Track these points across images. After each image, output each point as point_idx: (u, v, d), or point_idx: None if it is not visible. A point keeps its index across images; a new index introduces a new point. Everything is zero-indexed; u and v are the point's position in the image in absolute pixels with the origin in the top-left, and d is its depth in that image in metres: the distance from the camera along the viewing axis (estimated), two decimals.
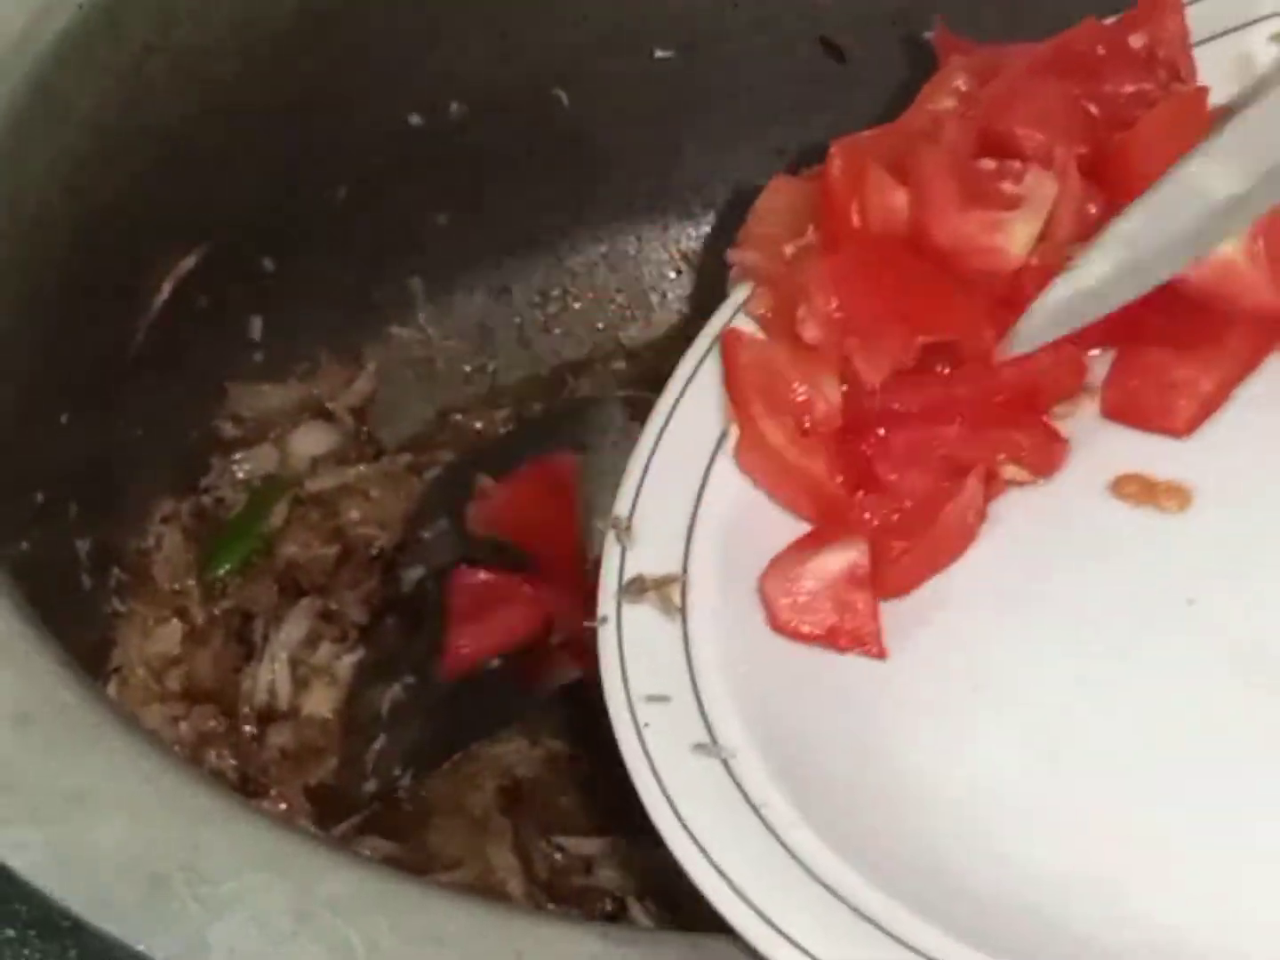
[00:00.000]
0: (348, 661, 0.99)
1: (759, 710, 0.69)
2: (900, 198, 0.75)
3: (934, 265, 0.74)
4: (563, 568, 0.93)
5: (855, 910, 0.62)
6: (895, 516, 0.72)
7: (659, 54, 1.08)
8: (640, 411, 0.99)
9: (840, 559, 0.71)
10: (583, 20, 1.06)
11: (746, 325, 0.78)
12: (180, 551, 1.01)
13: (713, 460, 0.76)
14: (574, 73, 1.07)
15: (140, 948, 0.61)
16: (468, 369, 1.13)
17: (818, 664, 0.70)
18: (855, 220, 0.76)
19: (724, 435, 0.76)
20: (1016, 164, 0.75)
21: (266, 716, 0.98)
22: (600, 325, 1.14)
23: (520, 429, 1.06)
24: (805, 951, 0.60)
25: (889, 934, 0.61)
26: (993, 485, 0.74)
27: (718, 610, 0.72)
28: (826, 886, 0.63)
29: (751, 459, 0.75)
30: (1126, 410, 0.76)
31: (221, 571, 1.01)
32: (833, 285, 0.72)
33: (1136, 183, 0.75)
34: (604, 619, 0.72)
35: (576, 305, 1.14)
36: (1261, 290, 0.73)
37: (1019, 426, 0.74)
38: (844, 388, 0.73)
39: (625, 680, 0.69)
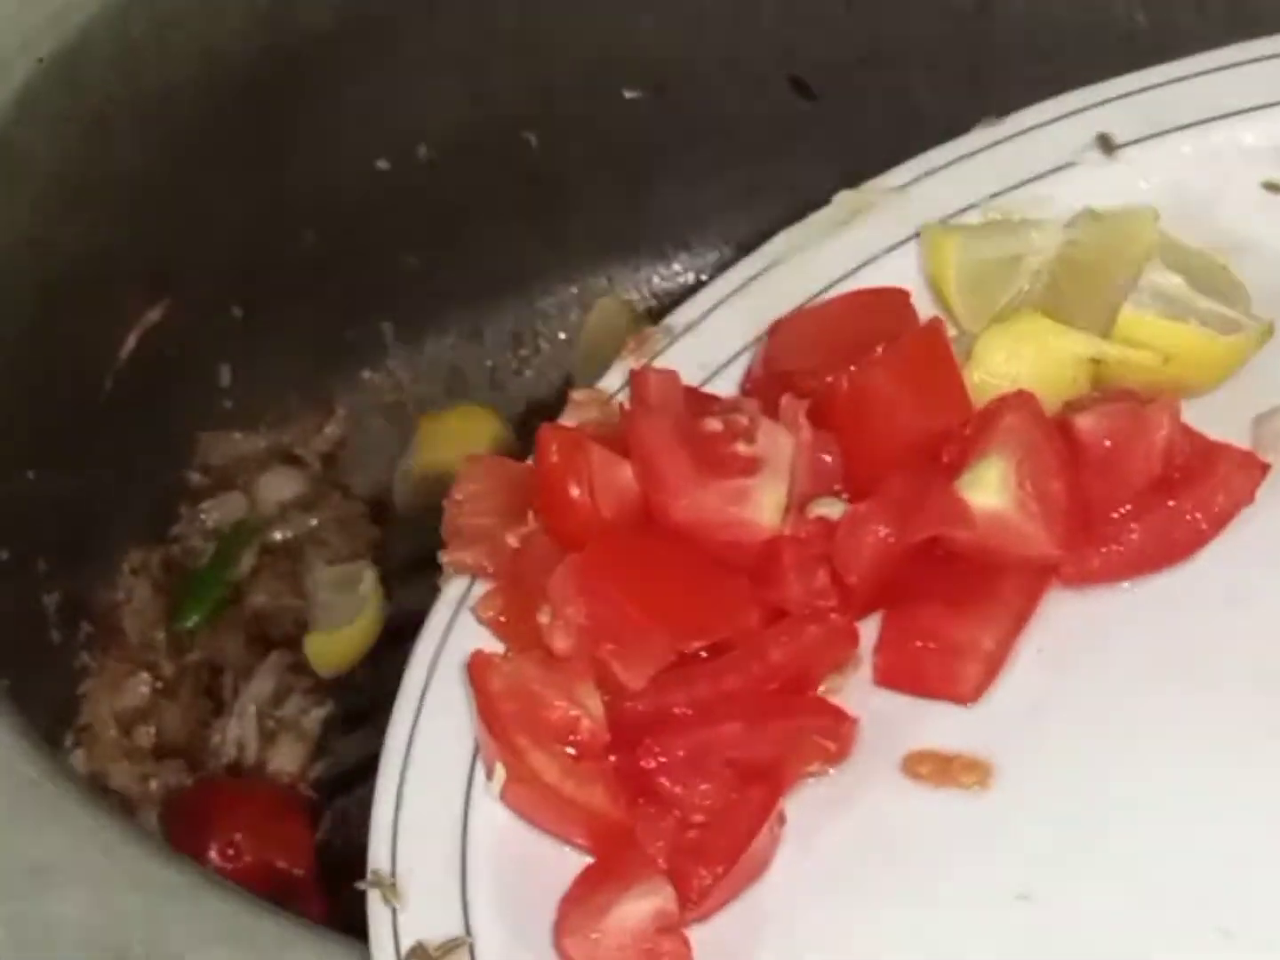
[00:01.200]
0: (315, 715, 0.98)
1: None
2: (627, 474, 0.68)
3: (679, 547, 0.67)
4: None
5: None
6: (690, 835, 0.63)
7: (628, 94, 1.07)
8: None
9: (644, 906, 0.62)
10: (551, 62, 1.05)
11: (474, 631, 0.69)
12: (149, 603, 1.00)
13: (469, 791, 0.66)
14: (543, 114, 1.07)
15: None
16: (438, 412, 1.12)
17: None
18: (581, 507, 0.68)
19: (474, 757, 0.67)
20: (744, 420, 0.69)
21: (235, 771, 0.97)
22: (570, 367, 1.13)
23: None
24: None
25: None
26: (786, 783, 0.65)
27: None
28: None
29: (521, 796, 0.65)
30: (904, 677, 0.67)
31: (190, 623, 1.00)
32: (576, 588, 0.65)
33: (869, 425, 0.70)
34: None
35: (548, 347, 1.13)
36: (1031, 539, 0.67)
37: (802, 712, 0.66)
38: (604, 697, 0.65)
39: None
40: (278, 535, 1.04)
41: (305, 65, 0.99)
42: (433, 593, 0.70)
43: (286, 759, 0.97)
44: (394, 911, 0.62)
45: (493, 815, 0.65)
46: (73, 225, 0.92)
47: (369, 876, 0.63)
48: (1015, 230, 0.77)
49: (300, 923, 0.64)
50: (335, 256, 1.06)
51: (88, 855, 0.65)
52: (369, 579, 0.99)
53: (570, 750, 0.64)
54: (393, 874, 0.63)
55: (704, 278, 1.14)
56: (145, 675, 0.98)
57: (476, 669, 0.66)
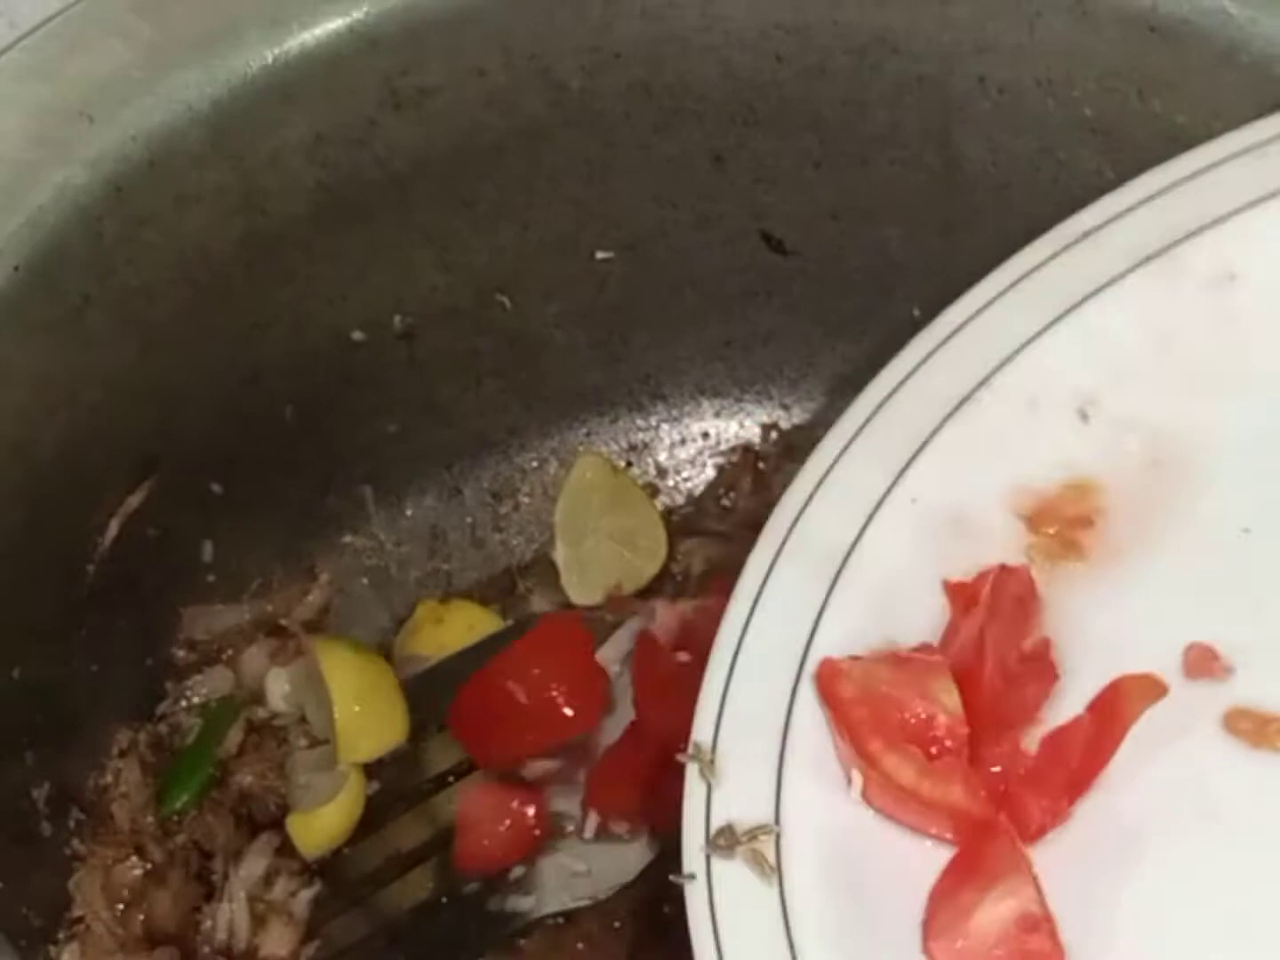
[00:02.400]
0: (304, 897, 0.98)
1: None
2: None
3: None
4: None
5: None
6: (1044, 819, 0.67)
7: (600, 255, 1.08)
8: (593, 622, 1.01)
9: (1009, 907, 0.65)
10: (523, 228, 1.06)
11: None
12: (138, 787, 1.01)
13: (796, 685, 0.71)
14: (515, 278, 1.08)
15: None
16: (421, 573, 1.12)
17: None
18: None
19: (806, 654, 0.71)
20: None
21: (227, 957, 0.97)
22: (551, 521, 1.13)
23: (478, 645, 1.06)
24: None
25: None
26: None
27: (818, 877, 0.67)
28: None
29: (880, 798, 0.68)
30: None
31: (178, 805, 1.00)
32: None
33: None
34: (691, 876, 0.67)
35: (528, 501, 1.14)
36: None
37: None
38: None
39: (720, 952, 0.65)
40: (262, 712, 1.04)
41: (278, 249, 0.99)
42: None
43: (278, 943, 0.97)
44: (709, 788, 0.67)
45: (816, 715, 0.69)
46: (54, 424, 0.92)
47: (690, 749, 0.67)
48: None
49: None
50: (314, 427, 1.06)
51: None
52: (344, 760, 1.00)
53: (928, 749, 0.67)
54: (713, 751, 0.67)
55: (679, 428, 1.15)
56: (136, 860, 0.98)
57: (826, 677, 0.69)
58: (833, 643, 0.73)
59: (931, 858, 0.68)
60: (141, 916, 0.97)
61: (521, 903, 0.96)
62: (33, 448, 0.92)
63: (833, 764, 0.69)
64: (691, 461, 1.16)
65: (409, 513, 1.13)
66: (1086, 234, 0.85)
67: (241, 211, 0.97)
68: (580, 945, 0.97)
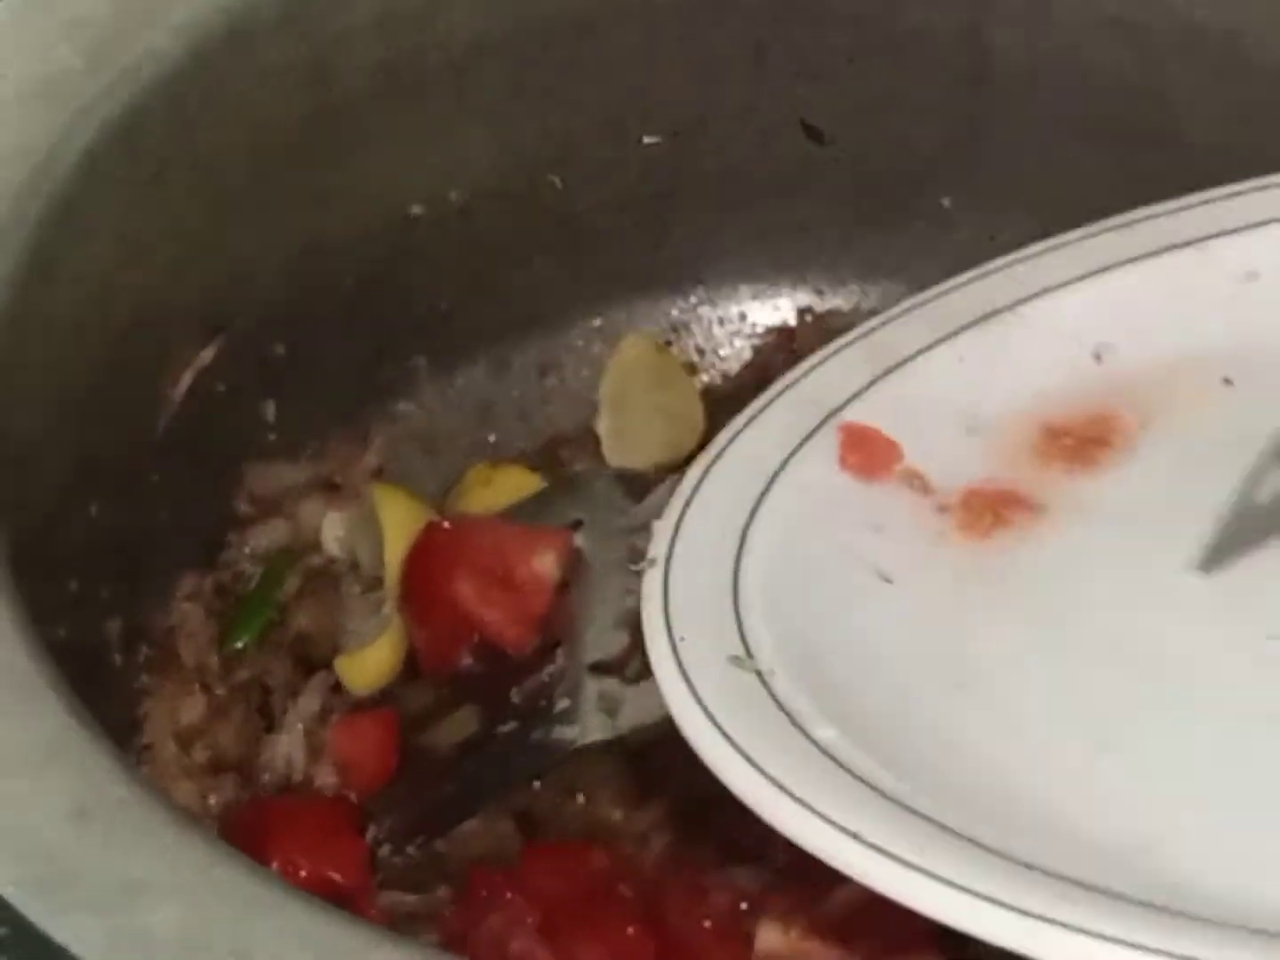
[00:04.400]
0: None
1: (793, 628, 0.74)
2: None
3: None
4: None
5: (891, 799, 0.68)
6: None
7: (647, 140, 1.13)
8: (633, 487, 1.06)
9: None
10: (575, 110, 1.11)
11: None
12: (202, 627, 1.06)
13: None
14: (567, 159, 1.13)
15: None
16: (468, 443, 1.17)
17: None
18: None
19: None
20: None
21: (284, 785, 1.02)
22: (595, 396, 1.18)
23: (516, 506, 1.10)
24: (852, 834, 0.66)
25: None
26: None
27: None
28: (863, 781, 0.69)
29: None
30: None
31: (240, 645, 1.06)
32: None
33: None
34: (653, 561, 0.79)
35: (573, 378, 1.19)
36: None
37: None
38: None
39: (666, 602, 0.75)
40: (318, 560, 1.09)
41: (343, 124, 1.05)
42: None
43: (331, 775, 1.03)
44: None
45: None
46: (133, 277, 0.98)
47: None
48: None
49: (377, 929, 0.69)
50: (372, 298, 1.11)
51: (181, 873, 0.70)
52: (390, 602, 1.05)
53: None
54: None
55: (718, 310, 1.20)
56: (200, 696, 1.03)
57: None
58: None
59: None
60: (205, 747, 1.02)
61: (566, 732, 1.01)
62: (112, 300, 0.97)
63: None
64: (729, 342, 1.20)
65: (459, 384, 1.18)
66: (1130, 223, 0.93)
67: (310, 84, 1.03)
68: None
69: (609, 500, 1.08)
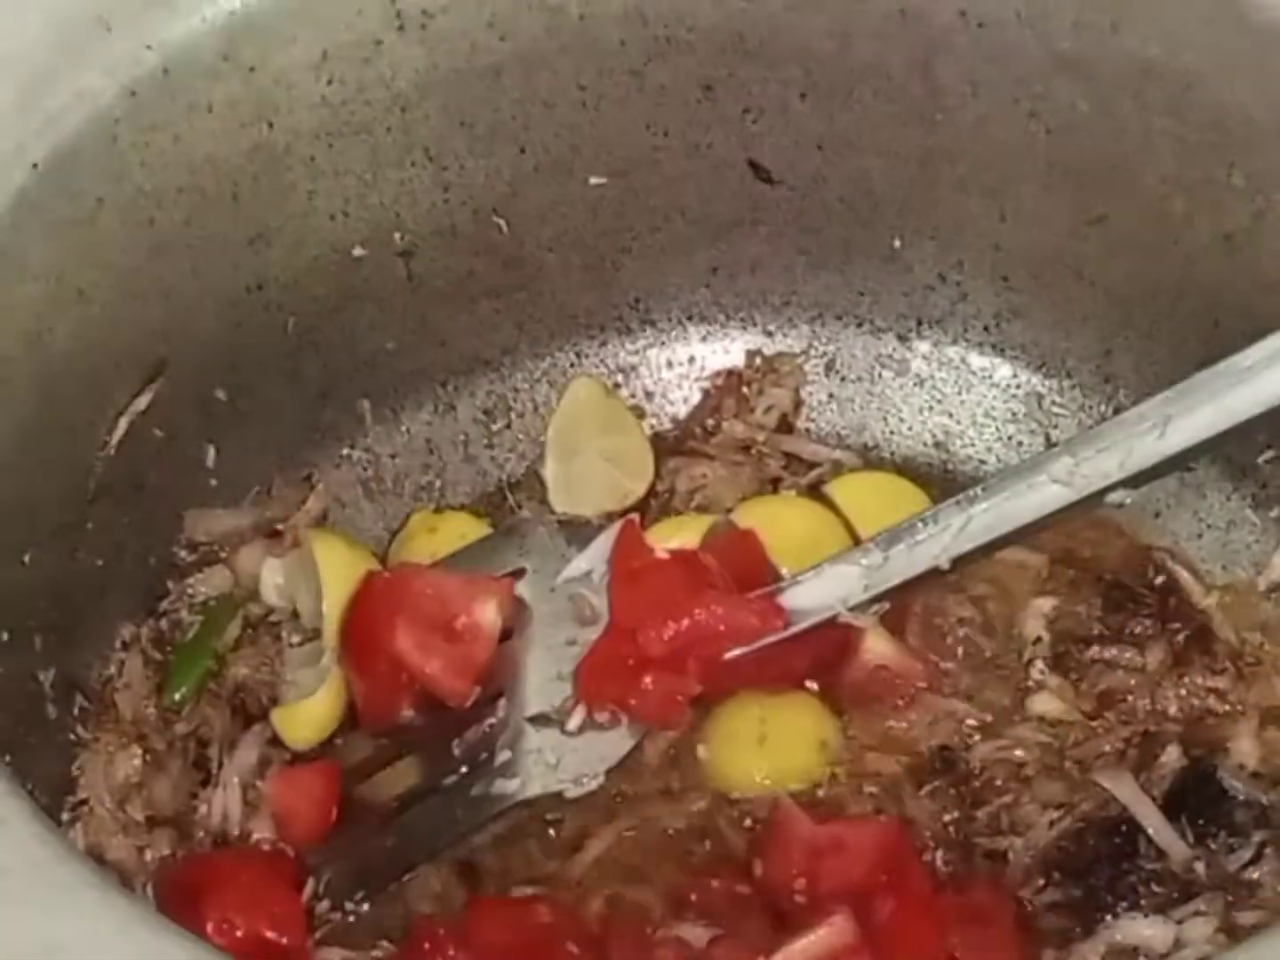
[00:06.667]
0: None
1: None
2: None
3: None
4: None
5: None
6: None
7: (593, 180, 1.12)
8: (577, 534, 1.05)
9: None
10: (519, 151, 1.10)
11: None
12: (140, 678, 1.04)
13: None
14: (512, 201, 1.11)
15: None
16: (415, 487, 1.16)
17: None
18: None
19: None
20: None
21: (221, 839, 1.00)
22: (541, 440, 1.17)
23: (458, 553, 1.09)
24: None
25: None
26: None
27: None
28: None
29: None
30: None
31: (177, 695, 1.04)
32: None
33: None
34: None
35: (519, 420, 1.18)
36: None
37: None
38: None
39: None
40: (258, 609, 1.07)
41: (283, 163, 1.03)
42: None
43: (268, 828, 1.01)
44: None
45: None
46: (66, 321, 0.96)
47: None
48: None
49: None
50: (314, 340, 1.10)
51: (99, 934, 0.69)
52: (330, 653, 1.03)
53: None
54: None
55: (666, 352, 1.19)
56: (137, 749, 1.01)
57: None
58: None
59: None
60: (141, 801, 1.00)
61: (508, 785, 0.99)
62: (46, 341, 0.95)
63: None
64: (678, 384, 1.19)
65: (404, 427, 1.16)
66: None
67: (250, 123, 1.01)
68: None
69: (552, 547, 1.06)
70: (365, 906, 0.98)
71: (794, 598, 1.01)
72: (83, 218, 0.96)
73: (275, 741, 1.04)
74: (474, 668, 1.01)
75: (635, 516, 1.08)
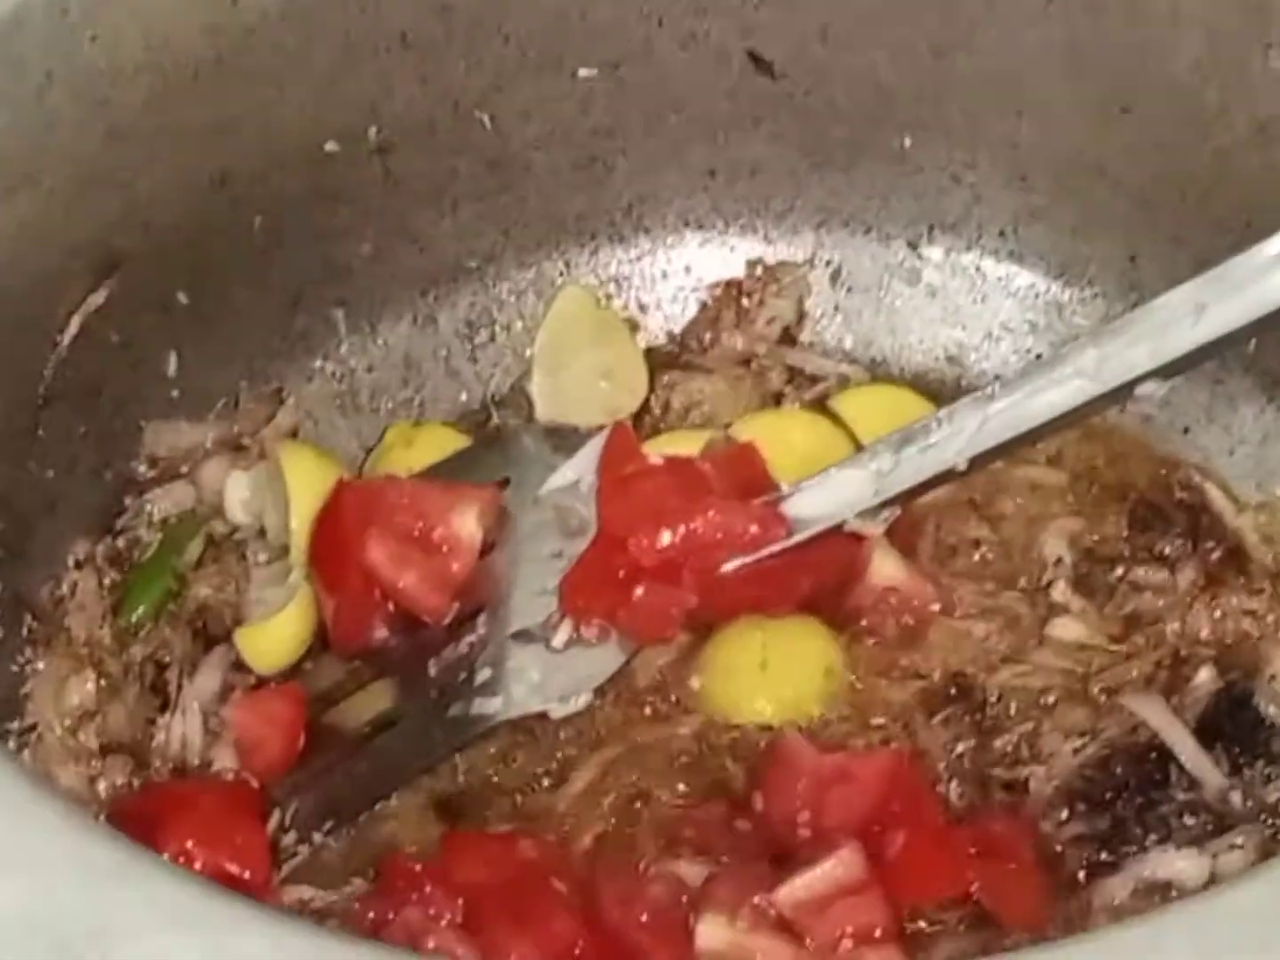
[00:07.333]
0: None
1: None
2: None
3: None
4: None
5: None
6: None
7: (583, 73, 1.05)
8: (565, 442, 0.98)
9: None
10: (503, 41, 1.03)
11: None
12: (94, 598, 0.98)
13: None
14: (495, 95, 1.05)
15: None
16: (392, 403, 1.09)
17: None
18: None
19: None
20: None
21: (180, 769, 0.94)
22: (528, 354, 1.10)
23: (445, 461, 1.02)
24: None
25: None
26: None
27: None
28: None
29: None
30: None
31: (134, 617, 0.97)
32: None
33: None
34: None
35: (504, 334, 1.11)
36: None
37: None
38: None
39: None
40: (223, 527, 1.01)
41: (249, 45, 0.96)
42: None
43: (230, 757, 0.94)
44: None
45: None
46: (13, 206, 0.89)
47: None
48: None
49: (251, 905, 0.60)
50: (283, 241, 1.03)
51: (29, 839, 0.62)
52: (298, 570, 0.97)
53: None
54: None
55: (661, 261, 1.12)
56: (90, 673, 0.95)
57: None
58: None
59: None
60: (95, 728, 0.94)
61: (487, 706, 0.93)
62: None
63: None
64: (673, 296, 1.13)
65: (381, 340, 1.10)
66: None
67: (210, 0, 0.94)
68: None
69: (537, 456, 0.99)
70: (334, 840, 0.91)
71: (797, 506, 0.94)
72: (29, 94, 0.89)
73: (240, 667, 0.98)
74: (452, 582, 0.94)
75: (627, 420, 1.00)
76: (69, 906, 0.60)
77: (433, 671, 0.94)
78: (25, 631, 0.96)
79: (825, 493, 0.93)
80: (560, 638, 0.94)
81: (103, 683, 0.96)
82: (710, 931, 0.83)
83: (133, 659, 0.97)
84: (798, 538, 0.93)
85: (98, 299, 0.96)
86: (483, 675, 0.93)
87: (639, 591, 0.92)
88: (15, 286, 0.91)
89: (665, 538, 0.92)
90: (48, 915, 0.60)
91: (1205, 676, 0.92)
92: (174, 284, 1.00)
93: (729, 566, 0.93)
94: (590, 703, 0.94)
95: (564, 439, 1.02)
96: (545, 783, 0.94)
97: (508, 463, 1.00)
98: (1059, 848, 0.90)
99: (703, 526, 0.92)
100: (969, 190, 1.08)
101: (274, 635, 0.97)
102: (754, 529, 0.92)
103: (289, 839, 0.91)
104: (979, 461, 0.90)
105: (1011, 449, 0.91)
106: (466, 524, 0.94)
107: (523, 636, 0.94)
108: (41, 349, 0.94)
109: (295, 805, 0.91)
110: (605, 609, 0.93)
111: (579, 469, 0.98)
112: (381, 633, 0.95)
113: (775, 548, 0.93)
